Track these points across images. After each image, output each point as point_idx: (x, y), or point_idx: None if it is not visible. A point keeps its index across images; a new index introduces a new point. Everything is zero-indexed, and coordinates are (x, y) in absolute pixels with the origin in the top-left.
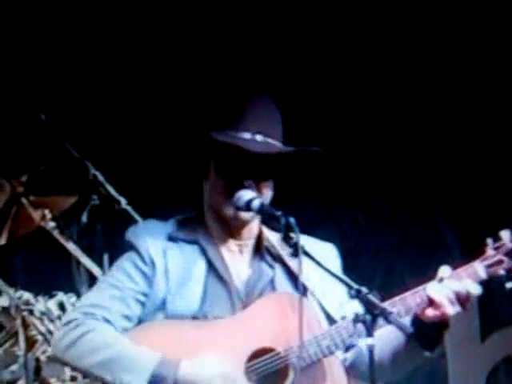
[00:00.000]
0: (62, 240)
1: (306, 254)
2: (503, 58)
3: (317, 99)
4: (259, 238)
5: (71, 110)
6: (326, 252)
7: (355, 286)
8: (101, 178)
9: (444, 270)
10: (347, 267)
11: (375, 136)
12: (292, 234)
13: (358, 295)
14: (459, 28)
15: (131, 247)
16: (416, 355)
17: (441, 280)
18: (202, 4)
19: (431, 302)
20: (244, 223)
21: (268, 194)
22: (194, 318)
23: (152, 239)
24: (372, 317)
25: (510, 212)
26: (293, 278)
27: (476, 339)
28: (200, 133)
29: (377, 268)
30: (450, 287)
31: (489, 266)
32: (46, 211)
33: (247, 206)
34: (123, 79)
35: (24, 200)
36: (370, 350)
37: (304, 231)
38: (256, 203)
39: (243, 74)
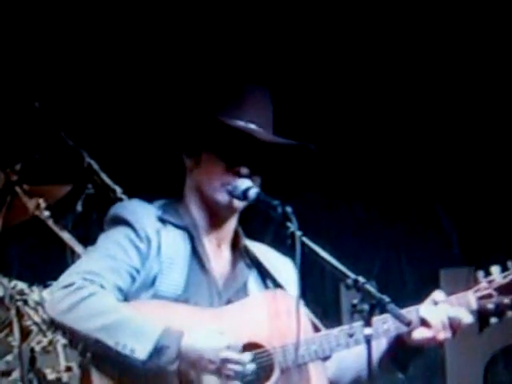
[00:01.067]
0: (56, 229)
1: (304, 245)
2: (503, 56)
3: (318, 91)
4: (236, 237)
5: (65, 98)
6: (284, 265)
7: (352, 275)
8: (96, 166)
9: (438, 294)
10: (345, 257)
11: (374, 128)
12: (289, 224)
13: (355, 285)
14: (459, 27)
15: (124, 223)
16: (386, 376)
17: (435, 303)
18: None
19: (423, 324)
20: (232, 213)
21: (258, 185)
22: (176, 301)
23: (146, 218)
24: (369, 307)
25: (509, 206)
26: (266, 282)
27: (474, 329)
28: (199, 114)
29: (374, 258)
30: (445, 312)
31: (480, 298)
32: (41, 200)
33: (244, 195)
34: (117, 66)
35: (18, 189)
36: (368, 339)
37: (300, 222)
38: (253, 192)
39: (240, 66)
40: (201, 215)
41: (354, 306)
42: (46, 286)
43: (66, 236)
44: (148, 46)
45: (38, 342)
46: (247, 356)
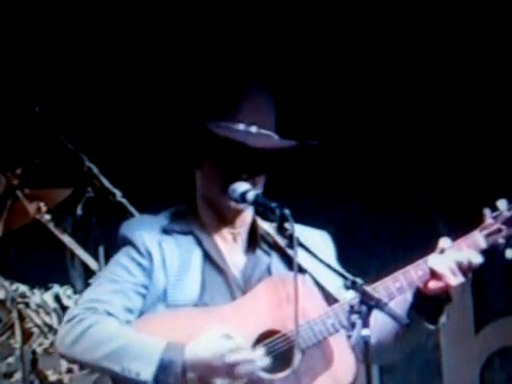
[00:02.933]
0: (57, 232)
1: (301, 245)
2: (503, 55)
3: (311, 88)
4: (253, 226)
5: (66, 103)
6: (320, 240)
7: (350, 276)
8: (95, 170)
9: (444, 242)
10: (341, 258)
11: (369, 124)
12: (287, 225)
13: (353, 286)
14: (459, 26)
15: (126, 242)
16: (419, 330)
17: (442, 251)
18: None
19: (433, 274)
20: (237, 213)
21: (261, 184)
22: (194, 306)
23: (146, 232)
24: (367, 308)
25: None
26: (290, 264)
27: (470, 330)
28: (194, 123)
29: (371, 259)
30: (451, 258)
31: (488, 235)
32: (41, 204)
33: (242, 198)
34: (118, 70)
35: (19, 193)
36: (366, 340)
37: (297, 221)
38: (251, 195)
39: (238, 66)
40: (209, 216)
41: (351, 307)
42: (47, 289)
43: (66, 239)
44: (148, 50)
45: (40, 344)
46: (259, 351)
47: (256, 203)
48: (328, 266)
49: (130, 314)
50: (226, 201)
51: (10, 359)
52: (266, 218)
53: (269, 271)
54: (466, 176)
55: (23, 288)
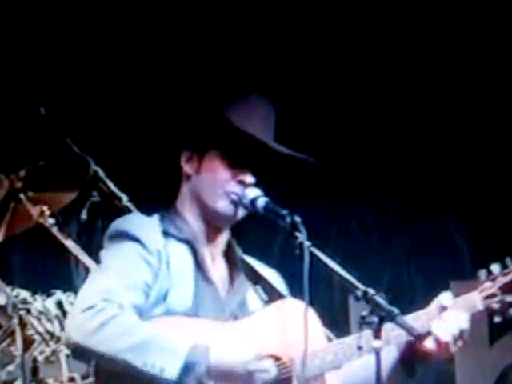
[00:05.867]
0: (60, 237)
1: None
2: (505, 55)
3: (321, 100)
4: (229, 250)
5: (71, 104)
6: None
7: (362, 287)
8: (101, 173)
9: (445, 298)
10: (354, 267)
11: (384, 132)
12: (297, 234)
13: (364, 296)
14: (458, 28)
15: (131, 238)
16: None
17: (443, 309)
18: (203, 4)
19: (435, 338)
20: (231, 222)
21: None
22: (187, 315)
23: (152, 231)
24: (379, 319)
25: None
26: (261, 295)
27: (485, 342)
28: (211, 111)
29: (384, 269)
30: (456, 326)
31: (485, 298)
32: (45, 207)
33: (252, 204)
34: (125, 71)
35: (22, 196)
36: (377, 352)
37: (309, 231)
38: (261, 201)
39: (240, 74)
40: (199, 226)
41: (362, 317)
42: (49, 295)
43: (70, 244)
44: (155, 50)
45: (41, 352)
46: (269, 362)
47: (266, 210)
48: (339, 274)
49: (137, 311)
50: (226, 206)
51: (10, 367)
52: (275, 225)
53: (244, 299)
54: (484, 185)
55: (25, 294)
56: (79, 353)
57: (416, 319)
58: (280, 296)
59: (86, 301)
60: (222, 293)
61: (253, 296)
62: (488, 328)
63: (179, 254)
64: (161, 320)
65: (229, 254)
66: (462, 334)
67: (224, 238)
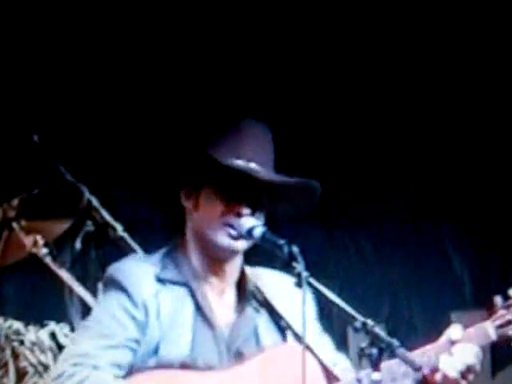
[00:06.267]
0: (54, 267)
1: (310, 285)
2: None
3: (316, 122)
4: (242, 279)
5: (65, 131)
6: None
7: (361, 318)
8: (95, 202)
9: (455, 331)
10: (352, 297)
11: (380, 155)
12: (295, 264)
13: (363, 328)
14: (457, 27)
15: (118, 288)
16: None
17: (453, 343)
18: (199, 20)
19: (443, 374)
20: (234, 255)
21: (261, 222)
22: (183, 364)
23: (143, 280)
24: (378, 351)
25: None
26: (278, 324)
27: (487, 373)
28: (196, 151)
29: (383, 299)
30: (463, 362)
31: (499, 327)
32: (38, 237)
33: (249, 234)
34: (118, 99)
35: (15, 225)
36: None
37: (306, 260)
38: (258, 231)
39: (237, 98)
40: (201, 261)
41: (362, 349)
42: (42, 326)
43: (64, 274)
44: (147, 79)
45: None
46: None
47: (264, 240)
48: (338, 306)
49: (119, 370)
50: (225, 239)
51: None
52: (273, 255)
53: (256, 332)
54: (485, 209)
55: (17, 325)
56: None
57: (423, 353)
58: (288, 327)
59: (57, 368)
60: (226, 330)
61: (265, 328)
62: (490, 359)
63: (176, 299)
64: (150, 374)
65: (241, 284)
66: (470, 369)
67: (234, 268)
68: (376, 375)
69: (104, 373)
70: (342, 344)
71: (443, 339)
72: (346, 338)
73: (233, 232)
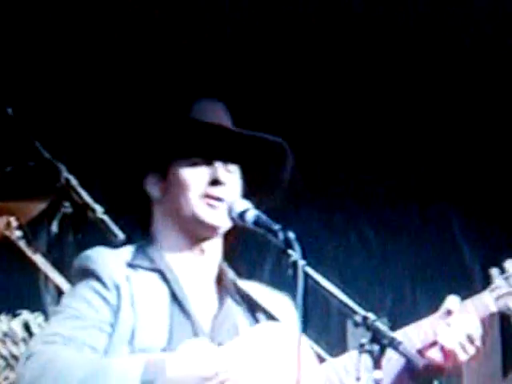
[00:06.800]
0: (28, 252)
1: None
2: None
3: (319, 104)
4: (221, 273)
5: (42, 104)
6: (284, 305)
7: (361, 311)
8: (74, 182)
9: (452, 302)
10: (352, 289)
11: (387, 139)
12: (291, 252)
13: (364, 322)
14: (456, 27)
15: (87, 274)
16: None
17: (449, 313)
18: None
19: (440, 347)
20: (214, 233)
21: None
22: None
23: (113, 265)
24: (380, 347)
25: None
26: (256, 317)
27: (497, 374)
28: (161, 128)
29: (386, 291)
30: (462, 331)
31: (498, 298)
32: (12, 218)
33: (241, 218)
34: (100, 71)
35: None
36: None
37: (303, 248)
38: (251, 215)
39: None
40: (177, 252)
41: (362, 345)
42: (15, 316)
43: (39, 260)
44: (126, 56)
45: (5, 378)
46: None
47: (257, 224)
48: (336, 297)
49: (95, 352)
50: (206, 210)
51: None
52: (266, 242)
53: (235, 325)
54: (496, 189)
55: None
56: None
57: (418, 328)
58: (270, 318)
59: (27, 350)
60: (207, 323)
61: (244, 320)
62: (501, 359)
63: (149, 285)
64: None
65: (220, 281)
66: (471, 339)
67: (213, 261)
68: (378, 374)
69: (74, 349)
70: (340, 339)
71: (439, 312)
72: (345, 332)
73: (212, 202)
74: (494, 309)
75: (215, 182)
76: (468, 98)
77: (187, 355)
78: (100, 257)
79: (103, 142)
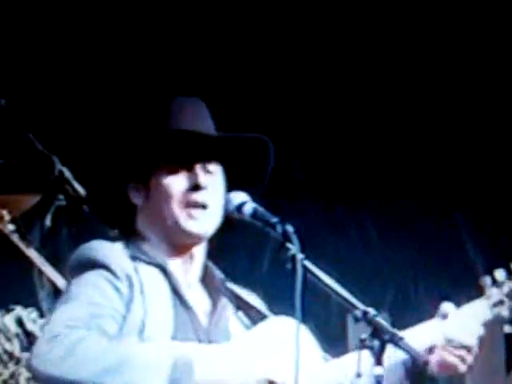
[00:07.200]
0: (22, 246)
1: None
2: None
3: (320, 100)
4: (206, 272)
5: (35, 96)
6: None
7: (362, 306)
8: (68, 174)
9: (447, 306)
10: (352, 283)
11: (389, 132)
12: (289, 245)
13: (364, 317)
14: (455, 28)
15: (96, 265)
16: None
17: (444, 316)
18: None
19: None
20: (200, 239)
21: (219, 196)
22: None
23: (120, 256)
24: (381, 342)
25: None
26: (250, 316)
27: (501, 371)
28: (140, 138)
29: (387, 285)
30: (461, 343)
31: (494, 305)
32: (4, 212)
33: (238, 210)
34: (93, 63)
35: None
36: (379, 381)
37: (302, 241)
38: (249, 207)
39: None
40: (165, 254)
41: (362, 341)
42: (8, 311)
43: (32, 254)
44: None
45: None
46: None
47: (255, 217)
48: (336, 292)
49: (110, 340)
50: (185, 217)
51: None
52: (264, 235)
53: (226, 327)
54: (500, 183)
55: None
56: (46, 381)
57: (415, 333)
58: (263, 317)
59: (49, 331)
60: (205, 319)
61: (235, 323)
62: (505, 356)
63: (153, 278)
64: None
65: (207, 280)
66: (468, 349)
67: (198, 262)
68: (378, 370)
69: (100, 335)
70: (340, 335)
71: (435, 317)
72: (345, 328)
73: (193, 212)
74: (490, 316)
75: (196, 187)
76: (479, 97)
77: (215, 361)
78: (106, 248)
79: (87, 145)
